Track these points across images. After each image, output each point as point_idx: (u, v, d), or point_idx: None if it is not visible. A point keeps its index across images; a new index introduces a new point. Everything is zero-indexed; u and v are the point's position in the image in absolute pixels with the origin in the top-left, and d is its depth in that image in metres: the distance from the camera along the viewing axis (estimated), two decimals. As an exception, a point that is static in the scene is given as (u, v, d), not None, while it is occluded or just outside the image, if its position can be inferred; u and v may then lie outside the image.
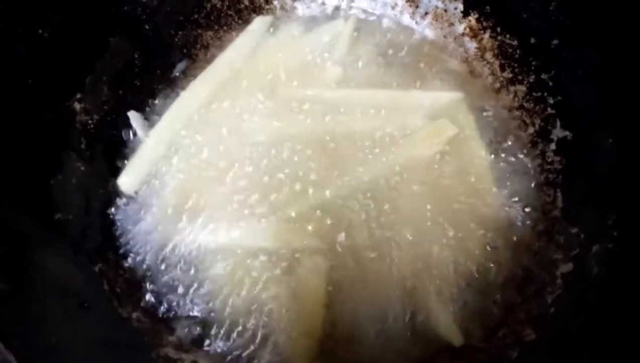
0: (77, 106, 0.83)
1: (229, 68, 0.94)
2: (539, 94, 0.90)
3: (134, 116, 0.88)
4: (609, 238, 0.71)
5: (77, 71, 0.84)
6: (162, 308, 0.76)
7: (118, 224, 0.81)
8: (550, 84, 0.89)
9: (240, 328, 0.74)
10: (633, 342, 0.60)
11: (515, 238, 0.81)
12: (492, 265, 0.79)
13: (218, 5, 1.00)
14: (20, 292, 0.61)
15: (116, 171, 0.84)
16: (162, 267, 0.78)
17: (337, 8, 1.04)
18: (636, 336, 0.60)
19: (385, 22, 1.03)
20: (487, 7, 0.96)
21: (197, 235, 0.79)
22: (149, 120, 0.90)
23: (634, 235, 0.69)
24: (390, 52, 0.98)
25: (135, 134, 0.88)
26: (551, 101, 0.88)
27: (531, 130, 0.90)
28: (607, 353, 0.61)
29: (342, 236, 0.79)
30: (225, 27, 1.01)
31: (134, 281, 0.77)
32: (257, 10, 1.03)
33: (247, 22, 1.01)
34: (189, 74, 0.95)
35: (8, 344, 0.54)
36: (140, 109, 0.90)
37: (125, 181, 0.83)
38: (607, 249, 0.71)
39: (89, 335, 0.65)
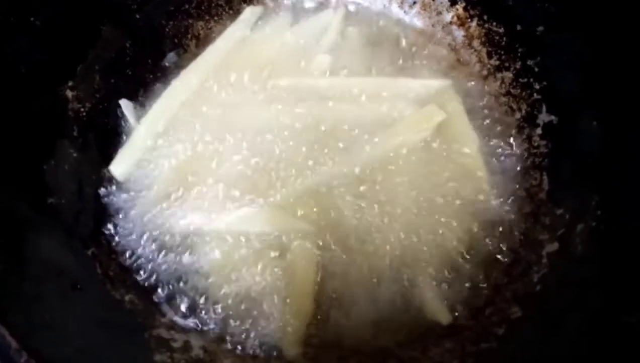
0: (69, 94, 0.84)
1: (219, 58, 0.95)
2: (525, 80, 0.91)
3: (125, 104, 0.89)
4: (593, 217, 0.73)
5: (69, 59, 0.85)
6: (154, 291, 0.76)
7: (110, 209, 0.81)
8: (536, 70, 0.90)
9: (231, 309, 0.75)
10: (615, 317, 0.61)
11: (502, 221, 0.82)
12: (479, 246, 0.80)
13: (208, -4, 1.02)
14: (15, 273, 0.62)
15: (108, 158, 0.85)
16: (154, 251, 0.78)
17: (326, -2, 1.05)
18: (619, 311, 0.62)
19: (374, 12, 1.04)
20: (474, -4, 0.98)
21: (188, 220, 0.79)
22: (141, 108, 0.90)
23: (616, 214, 0.71)
24: (379, 41, 0.99)
25: (126, 122, 0.88)
26: (537, 87, 0.90)
27: (518, 115, 0.91)
28: (591, 328, 0.63)
29: (331, 221, 0.80)
30: (215, 18, 1.02)
31: (126, 265, 0.78)
32: (248, 0, 1.04)
33: (237, 12, 1.02)
34: (179, 64, 0.95)
35: (3, 321, 0.55)
36: (131, 97, 0.90)
37: (117, 167, 0.84)
38: (591, 228, 0.72)
39: (83, 315, 0.66)
